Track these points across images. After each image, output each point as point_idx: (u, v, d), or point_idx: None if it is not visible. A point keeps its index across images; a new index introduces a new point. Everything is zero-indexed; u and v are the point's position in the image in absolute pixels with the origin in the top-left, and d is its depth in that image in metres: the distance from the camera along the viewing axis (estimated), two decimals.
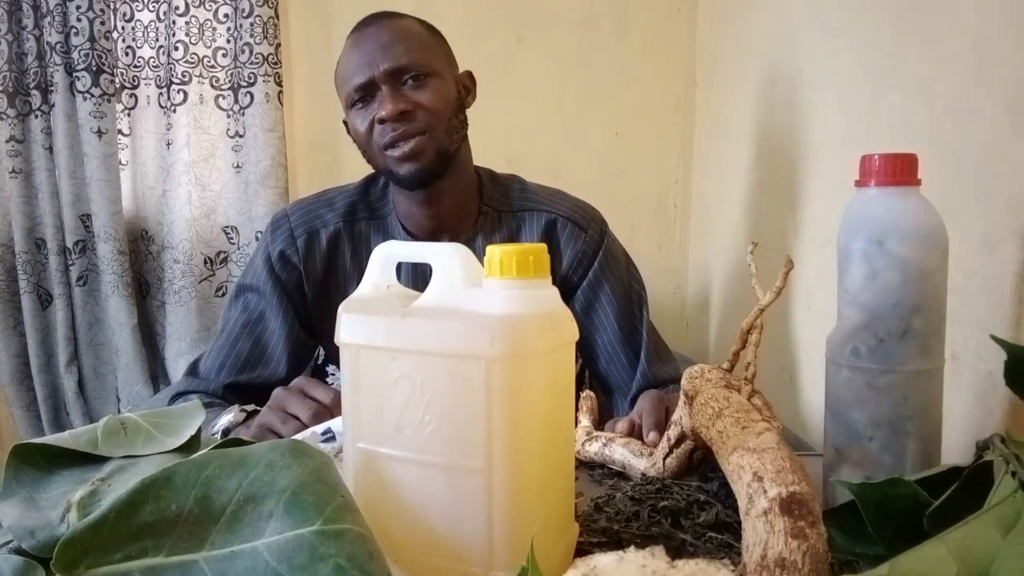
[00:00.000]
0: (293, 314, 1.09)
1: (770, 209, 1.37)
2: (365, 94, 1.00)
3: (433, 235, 1.08)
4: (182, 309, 1.73)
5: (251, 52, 1.64)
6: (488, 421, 0.48)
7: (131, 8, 1.69)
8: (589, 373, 1.19)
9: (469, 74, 1.09)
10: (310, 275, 1.09)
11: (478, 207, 1.11)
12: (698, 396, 0.65)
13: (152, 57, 1.71)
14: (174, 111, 1.69)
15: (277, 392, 0.87)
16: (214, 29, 1.69)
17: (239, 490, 0.42)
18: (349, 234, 1.10)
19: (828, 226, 1.08)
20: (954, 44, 0.83)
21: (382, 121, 0.98)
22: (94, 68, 1.61)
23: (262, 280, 1.09)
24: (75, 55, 1.61)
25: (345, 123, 1.07)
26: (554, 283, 0.52)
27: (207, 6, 1.68)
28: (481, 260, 0.51)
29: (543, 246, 0.51)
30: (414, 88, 0.99)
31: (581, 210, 1.15)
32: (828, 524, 0.45)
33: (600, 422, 0.91)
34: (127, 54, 1.70)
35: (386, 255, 0.57)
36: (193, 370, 1.10)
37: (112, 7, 1.66)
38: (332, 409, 0.81)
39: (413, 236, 1.09)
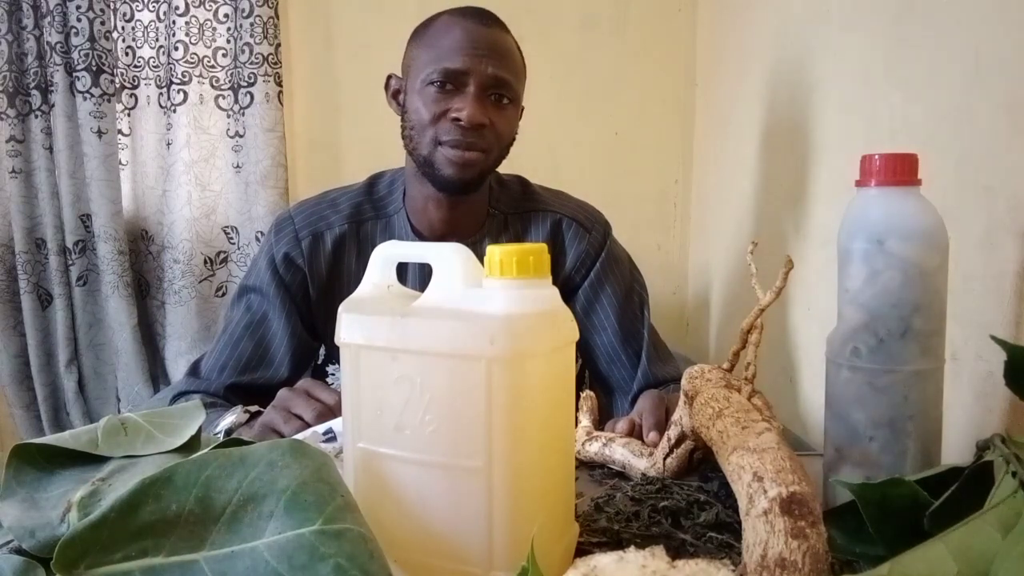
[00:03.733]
0: (296, 316, 1.09)
1: (770, 209, 1.37)
2: (450, 81, 0.97)
3: (442, 237, 1.08)
4: (182, 309, 1.73)
5: (251, 52, 1.64)
6: (488, 421, 0.48)
7: (131, 8, 1.69)
8: (589, 373, 1.19)
9: (522, 109, 1.10)
10: (314, 277, 1.09)
11: (486, 210, 1.12)
12: (698, 396, 0.65)
13: (152, 57, 1.70)
14: (174, 111, 1.69)
15: (282, 392, 0.88)
16: (214, 29, 1.68)
17: (239, 490, 0.42)
18: (355, 236, 1.10)
19: (828, 226, 1.08)
20: (954, 44, 0.83)
21: (456, 120, 0.97)
22: (94, 68, 1.61)
23: (265, 282, 1.09)
24: (75, 55, 1.61)
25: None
26: (557, 282, 0.52)
27: (207, 6, 1.67)
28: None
29: (543, 246, 0.51)
30: (495, 106, 0.99)
31: (586, 211, 1.16)
32: (828, 524, 0.45)
33: (600, 422, 0.91)
34: (127, 54, 1.70)
35: (386, 255, 0.57)
36: (194, 370, 1.10)
37: (112, 7, 1.66)
38: (335, 410, 0.82)
39: (421, 236, 1.09)
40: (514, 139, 1.07)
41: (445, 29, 1.00)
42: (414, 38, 1.04)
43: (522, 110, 1.11)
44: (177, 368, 1.73)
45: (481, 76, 0.97)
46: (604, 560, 0.42)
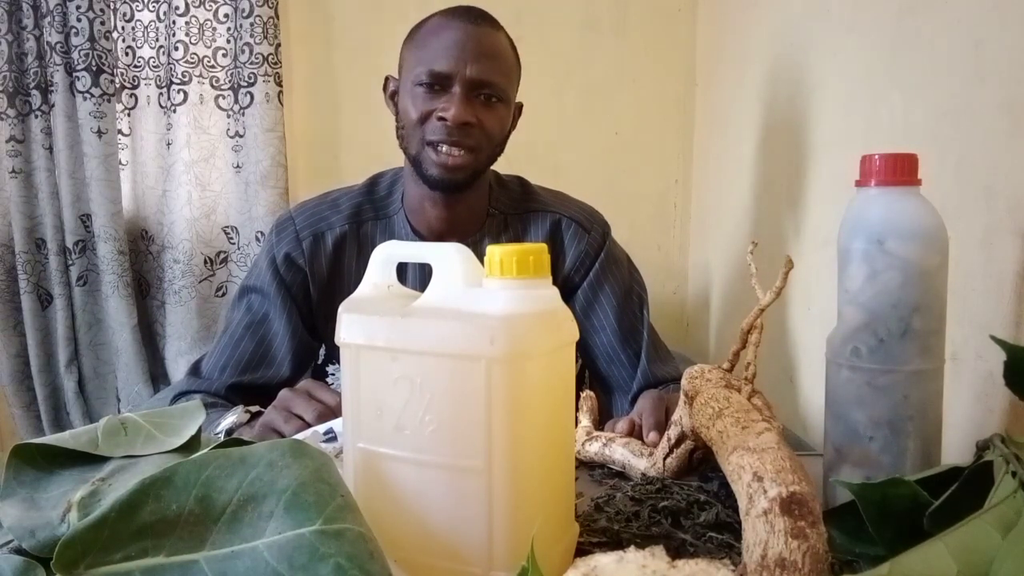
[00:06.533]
0: (297, 316, 1.09)
1: (770, 209, 1.37)
2: (437, 81, 0.98)
3: (441, 236, 1.08)
4: (182, 309, 1.73)
5: (251, 52, 1.64)
6: (488, 421, 0.48)
7: (131, 8, 1.69)
8: (589, 373, 1.19)
9: (520, 106, 1.10)
10: (315, 277, 1.09)
11: (486, 210, 1.12)
12: (698, 396, 0.65)
13: (152, 57, 1.70)
14: (174, 111, 1.69)
15: (283, 393, 0.88)
16: (214, 29, 1.68)
17: (239, 490, 0.42)
18: (355, 236, 1.10)
19: (828, 226, 1.08)
20: (954, 44, 0.83)
21: (442, 119, 0.97)
22: (94, 68, 1.61)
23: (266, 282, 1.09)
24: (75, 55, 1.61)
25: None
26: (556, 282, 0.52)
27: (207, 6, 1.67)
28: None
29: (543, 246, 0.51)
30: (484, 105, 1.00)
31: (585, 212, 1.16)
32: (828, 524, 0.45)
33: (600, 422, 0.91)
34: (127, 54, 1.70)
35: (386, 255, 0.57)
36: (196, 370, 1.10)
37: (112, 7, 1.66)
38: (336, 411, 0.82)
39: (420, 236, 1.09)
40: (506, 137, 1.06)
41: (434, 30, 1.01)
42: (407, 39, 1.05)
43: (520, 108, 1.11)
44: (177, 368, 1.73)
45: (467, 77, 0.97)
46: (604, 560, 0.42)
